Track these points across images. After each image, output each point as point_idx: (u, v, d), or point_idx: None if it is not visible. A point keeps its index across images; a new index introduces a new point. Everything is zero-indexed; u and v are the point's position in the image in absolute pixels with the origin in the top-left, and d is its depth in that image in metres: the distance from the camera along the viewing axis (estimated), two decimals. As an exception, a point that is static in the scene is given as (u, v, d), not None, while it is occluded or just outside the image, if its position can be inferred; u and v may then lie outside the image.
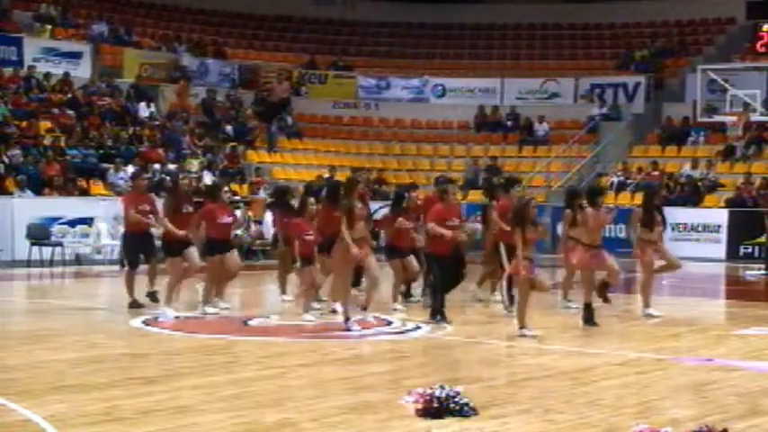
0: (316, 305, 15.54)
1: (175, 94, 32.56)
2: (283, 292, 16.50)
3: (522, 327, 12.75)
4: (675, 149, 32.77)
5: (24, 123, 27.19)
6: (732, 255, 27.08)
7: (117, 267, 23.51)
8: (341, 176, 30.26)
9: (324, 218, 14.84)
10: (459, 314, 14.90)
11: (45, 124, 27.73)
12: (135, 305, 15.09)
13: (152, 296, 15.22)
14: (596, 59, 38.60)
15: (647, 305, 15.03)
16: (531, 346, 12.65)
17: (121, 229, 21.75)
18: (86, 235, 24.49)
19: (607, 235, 24.91)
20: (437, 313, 14.15)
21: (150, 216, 15.18)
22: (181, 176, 16.71)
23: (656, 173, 30.69)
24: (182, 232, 14.44)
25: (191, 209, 14.89)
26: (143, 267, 15.60)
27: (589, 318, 13.97)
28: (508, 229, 13.69)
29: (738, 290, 22.16)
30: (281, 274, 16.71)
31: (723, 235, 27.34)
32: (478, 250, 17.09)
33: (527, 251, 12.66)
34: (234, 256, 15.06)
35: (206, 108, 32.87)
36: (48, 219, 23.79)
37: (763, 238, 26.09)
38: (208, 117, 32.62)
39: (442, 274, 14.22)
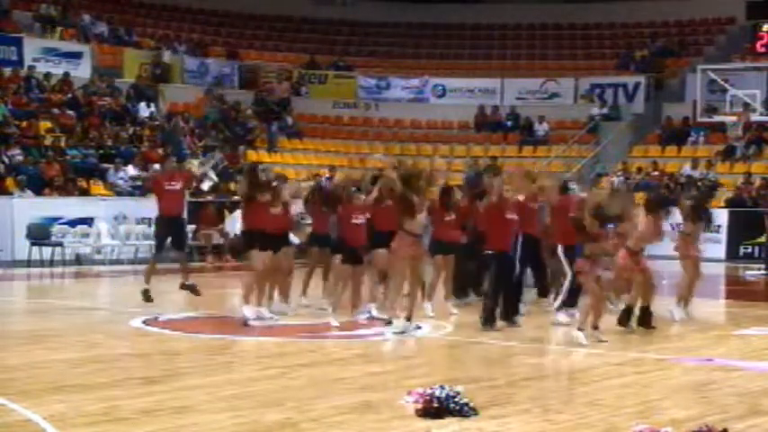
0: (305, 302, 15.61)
1: (196, 103, 32.33)
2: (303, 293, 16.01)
3: (581, 329, 12.34)
4: (675, 149, 32.77)
5: (24, 123, 27.18)
6: (732, 255, 27.07)
7: (117, 267, 23.71)
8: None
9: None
10: (460, 314, 14.91)
11: (45, 124, 27.71)
12: (146, 296, 14.74)
13: (188, 288, 14.89)
14: (596, 59, 38.59)
15: (678, 302, 14.86)
16: (531, 346, 12.65)
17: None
18: (86, 235, 24.49)
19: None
20: (488, 317, 13.42)
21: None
22: (260, 167, 15.68)
23: (657, 173, 30.70)
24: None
25: (268, 196, 13.89)
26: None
27: (624, 320, 13.59)
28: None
29: (738, 290, 22.15)
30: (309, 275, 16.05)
31: (723, 235, 27.31)
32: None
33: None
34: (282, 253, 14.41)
35: (224, 117, 32.84)
36: (48, 219, 23.78)
37: (763, 238, 26.09)
38: (227, 128, 32.50)
39: (501, 274, 13.42)
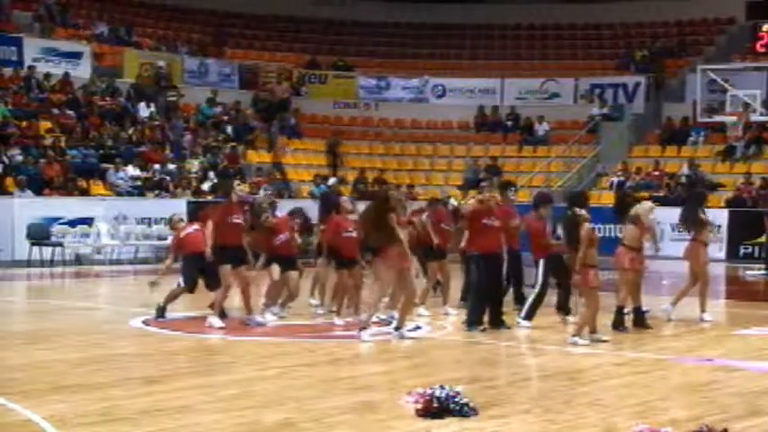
0: (313, 301, 15.60)
1: (275, 150, 32.39)
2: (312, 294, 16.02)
3: (578, 334, 12.36)
4: (675, 149, 32.76)
5: (24, 123, 27.18)
6: (732, 255, 27.04)
7: (117, 267, 23.70)
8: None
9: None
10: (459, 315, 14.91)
11: (45, 124, 27.72)
12: (160, 313, 14.26)
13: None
14: (596, 59, 38.59)
15: (703, 310, 14.84)
16: (531, 346, 12.66)
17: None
18: (86, 235, 24.50)
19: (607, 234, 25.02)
20: (474, 323, 13.39)
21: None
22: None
23: (657, 172, 30.69)
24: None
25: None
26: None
27: (619, 322, 13.59)
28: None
29: (738, 290, 22.14)
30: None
31: (723, 235, 27.27)
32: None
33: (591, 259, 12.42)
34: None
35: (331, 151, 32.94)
36: (48, 219, 23.79)
37: (763, 238, 26.07)
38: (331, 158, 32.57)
39: (485, 277, 13.42)
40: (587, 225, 12.47)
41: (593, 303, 12.43)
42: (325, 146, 33.35)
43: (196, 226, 14.53)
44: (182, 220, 15.49)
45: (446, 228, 15.33)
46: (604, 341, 12.39)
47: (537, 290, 13.95)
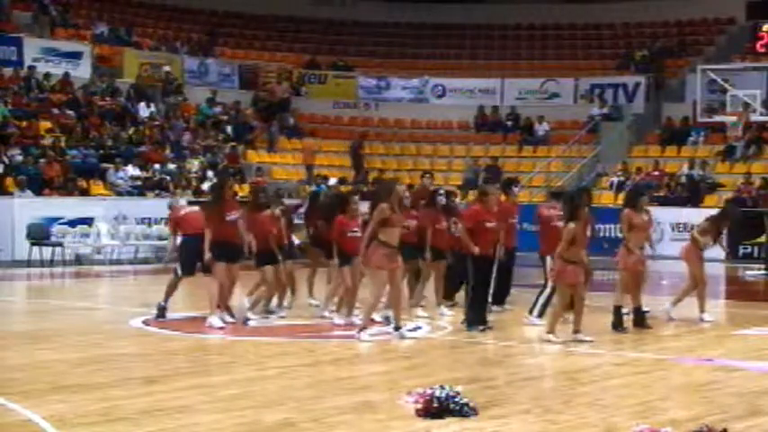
0: (313, 302, 15.58)
1: (304, 152, 32.54)
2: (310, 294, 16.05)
3: (550, 332, 12.41)
4: (675, 149, 32.76)
5: (24, 123, 27.20)
6: (732, 255, 27.01)
7: (117, 267, 23.70)
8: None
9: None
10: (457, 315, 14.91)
11: (45, 124, 27.73)
12: (161, 313, 14.19)
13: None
14: (596, 59, 38.58)
15: (702, 310, 14.82)
16: (532, 346, 12.66)
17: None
18: (86, 235, 24.50)
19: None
20: (474, 322, 13.37)
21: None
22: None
23: (657, 172, 30.69)
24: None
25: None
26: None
27: (618, 322, 13.57)
28: None
29: (738, 290, 22.14)
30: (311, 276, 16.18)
31: (723, 235, 27.19)
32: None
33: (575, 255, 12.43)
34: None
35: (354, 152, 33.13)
36: (48, 219, 23.79)
37: (763, 238, 26.06)
38: (354, 160, 32.86)
39: (480, 277, 13.39)
40: (571, 224, 12.48)
41: (562, 300, 12.47)
42: (348, 147, 33.48)
43: (196, 208, 14.56)
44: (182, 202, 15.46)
45: (439, 228, 15.23)
46: (558, 342, 12.30)
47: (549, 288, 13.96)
